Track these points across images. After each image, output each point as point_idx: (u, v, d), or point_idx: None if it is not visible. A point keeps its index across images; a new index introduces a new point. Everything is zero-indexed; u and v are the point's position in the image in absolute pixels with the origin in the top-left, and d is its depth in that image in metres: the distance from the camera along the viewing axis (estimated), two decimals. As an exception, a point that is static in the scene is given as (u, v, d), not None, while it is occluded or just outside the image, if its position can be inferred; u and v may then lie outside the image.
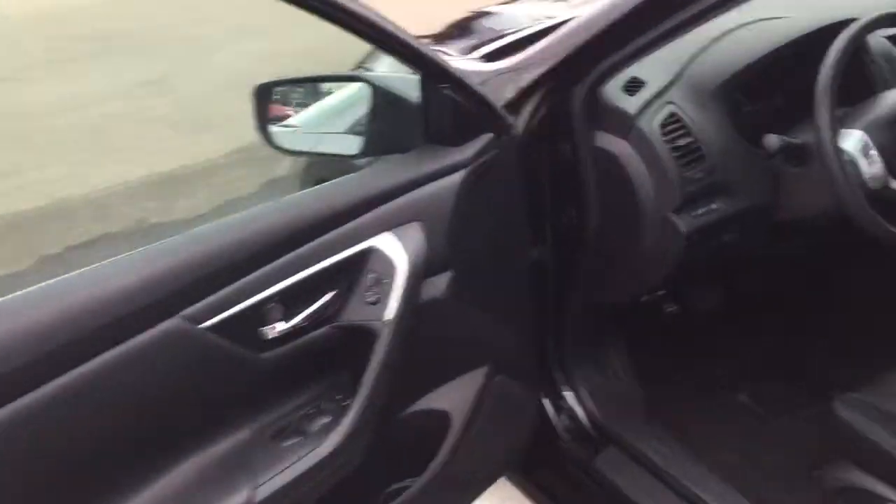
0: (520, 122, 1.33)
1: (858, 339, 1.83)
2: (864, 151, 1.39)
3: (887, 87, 1.52)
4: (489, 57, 1.48)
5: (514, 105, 1.33)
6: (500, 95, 1.31)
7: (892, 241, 1.38)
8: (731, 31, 1.57)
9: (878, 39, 1.59)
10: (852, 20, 1.44)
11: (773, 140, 1.44)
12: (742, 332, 1.91)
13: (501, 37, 1.57)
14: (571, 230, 1.45)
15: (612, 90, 1.43)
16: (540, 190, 1.43)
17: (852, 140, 1.40)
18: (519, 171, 1.34)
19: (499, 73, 1.36)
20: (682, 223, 1.40)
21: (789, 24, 1.60)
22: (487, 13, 1.96)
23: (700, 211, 1.42)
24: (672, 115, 1.43)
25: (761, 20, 1.60)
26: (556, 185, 1.44)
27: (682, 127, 1.43)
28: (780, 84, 1.59)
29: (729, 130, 1.48)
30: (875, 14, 1.44)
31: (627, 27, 1.29)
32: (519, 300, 1.43)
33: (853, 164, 1.38)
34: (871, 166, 1.39)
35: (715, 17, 1.31)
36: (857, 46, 1.43)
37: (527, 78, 1.33)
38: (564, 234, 1.45)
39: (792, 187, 1.50)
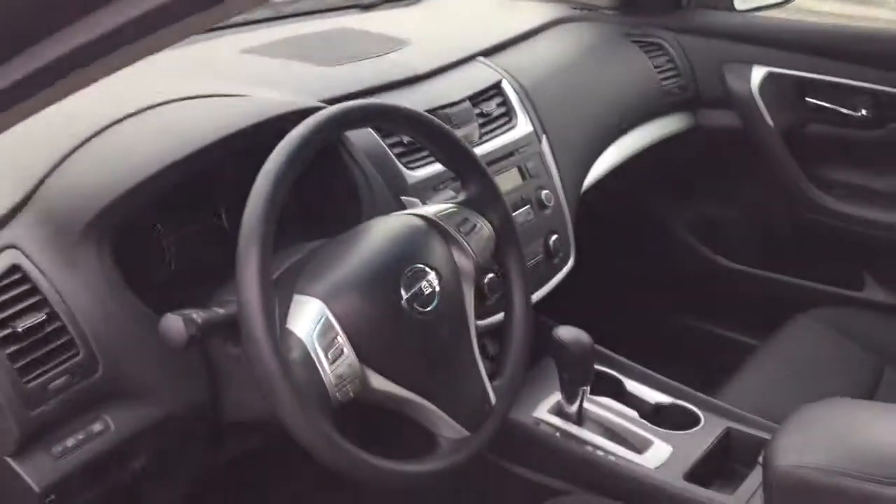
0: None
1: None
2: (324, 339, 0.87)
3: (375, 208, 1.11)
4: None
5: None
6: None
7: (390, 481, 0.92)
8: (121, 120, 1.02)
9: (367, 137, 1.17)
10: (317, 108, 1.00)
11: (172, 321, 0.85)
12: None
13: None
14: None
15: None
16: None
17: (306, 318, 0.88)
18: None
19: None
20: (35, 474, 0.85)
21: (238, 109, 1.09)
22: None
23: (67, 445, 0.88)
24: (14, 268, 0.87)
25: (185, 99, 1.08)
26: None
27: (31, 292, 0.87)
28: (202, 210, 1.10)
29: (120, 295, 0.92)
30: (350, 104, 1.00)
31: None
32: None
33: (306, 363, 0.86)
34: (335, 365, 0.87)
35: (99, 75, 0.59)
36: (326, 147, 1.01)
37: None
38: None
39: (234, 372, 0.96)
